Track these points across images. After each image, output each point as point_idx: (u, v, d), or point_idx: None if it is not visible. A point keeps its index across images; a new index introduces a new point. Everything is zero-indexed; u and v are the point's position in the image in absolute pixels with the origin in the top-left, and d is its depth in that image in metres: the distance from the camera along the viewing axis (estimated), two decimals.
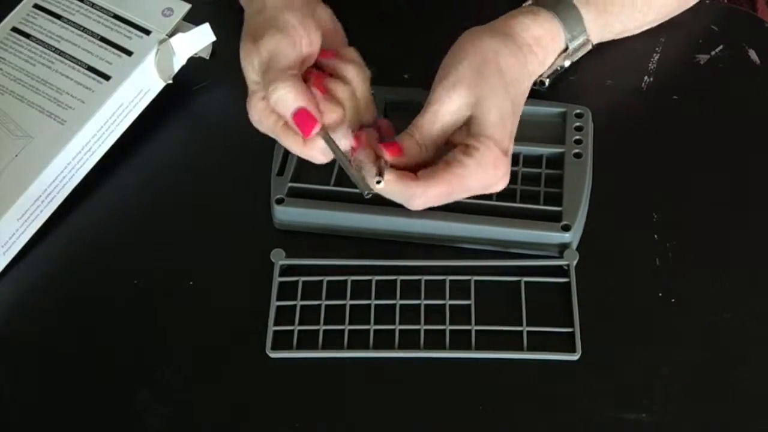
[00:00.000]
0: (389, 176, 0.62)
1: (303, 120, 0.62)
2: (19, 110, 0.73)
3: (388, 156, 0.63)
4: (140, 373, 0.66)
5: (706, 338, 0.65)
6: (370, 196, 0.63)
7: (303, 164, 0.73)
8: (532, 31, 0.69)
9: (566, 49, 0.71)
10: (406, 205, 0.64)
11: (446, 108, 0.63)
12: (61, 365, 0.68)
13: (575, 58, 0.73)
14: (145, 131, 0.77)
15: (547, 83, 0.74)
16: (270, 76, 0.62)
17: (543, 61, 0.70)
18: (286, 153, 0.73)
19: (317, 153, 0.64)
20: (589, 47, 0.73)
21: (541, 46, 0.69)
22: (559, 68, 0.73)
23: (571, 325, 0.65)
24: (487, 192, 0.64)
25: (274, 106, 0.63)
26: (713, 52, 0.78)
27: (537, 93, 0.72)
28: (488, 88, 0.63)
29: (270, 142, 0.73)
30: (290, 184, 0.71)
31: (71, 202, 0.74)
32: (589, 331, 0.65)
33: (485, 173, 0.62)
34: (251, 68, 0.64)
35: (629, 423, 0.62)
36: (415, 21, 0.82)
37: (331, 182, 0.71)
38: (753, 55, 0.78)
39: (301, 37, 0.64)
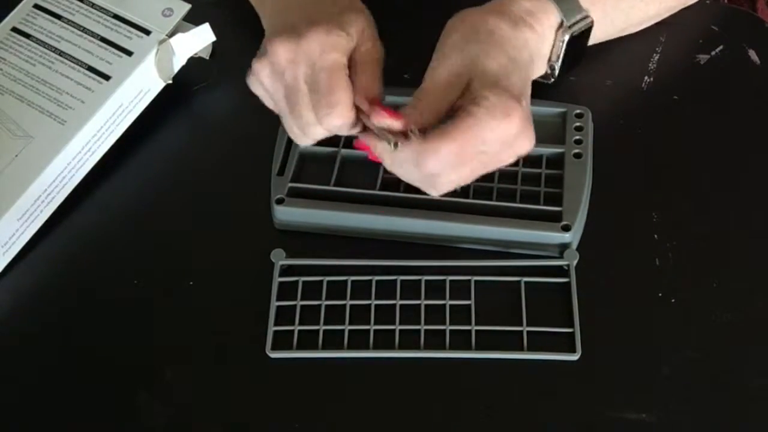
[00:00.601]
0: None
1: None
2: (19, 110, 0.73)
3: (384, 114, 0.62)
4: (140, 373, 0.66)
5: (706, 338, 0.65)
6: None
7: (303, 164, 0.73)
8: (522, 4, 0.68)
9: (562, 23, 0.70)
10: (418, 172, 0.62)
11: (442, 71, 0.62)
12: (61, 365, 0.67)
13: (575, 31, 0.70)
14: (145, 131, 0.77)
15: (557, 68, 0.71)
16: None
17: (542, 36, 0.69)
18: (286, 153, 0.73)
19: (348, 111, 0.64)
20: (589, 22, 0.70)
21: (535, 18, 0.68)
22: (561, 42, 0.70)
23: (571, 325, 0.65)
24: (511, 152, 0.62)
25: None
26: (713, 52, 0.78)
27: (545, 87, 0.71)
28: (481, 45, 0.63)
29: (270, 142, 0.73)
30: (290, 184, 0.71)
31: (71, 202, 0.74)
32: (589, 331, 0.65)
33: (498, 122, 0.60)
34: (355, 21, 0.65)
35: (629, 423, 0.62)
36: (415, 21, 0.82)
37: (331, 182, 0.71)
38: (753, 55, 0.78)
39: None
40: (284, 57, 0.63)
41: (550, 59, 0.71)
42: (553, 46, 0.70)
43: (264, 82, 0.65)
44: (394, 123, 0.61)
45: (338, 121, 0.63)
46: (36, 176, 0.70)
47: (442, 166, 0.60)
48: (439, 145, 0.60)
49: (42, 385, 0.67)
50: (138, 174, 0.76)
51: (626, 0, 0.73)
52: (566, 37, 0.70)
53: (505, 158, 0.62)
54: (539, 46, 0.69)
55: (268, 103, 0.67)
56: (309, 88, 0.63)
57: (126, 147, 0.76)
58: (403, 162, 0.62)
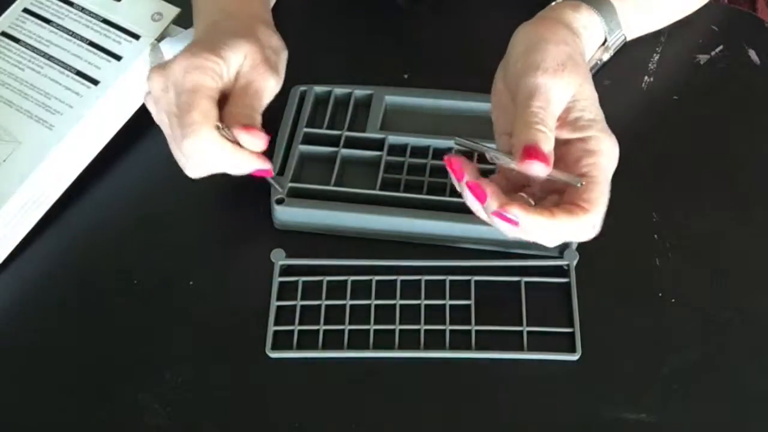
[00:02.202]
0: (559, 213, 0.55)
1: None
2: (7, 115, 0.72)
3: (533, 166, 0.55)
4: (140, 373, 0.66)
5: (706, 338, 0.65)
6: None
7: (303, 164, 0.73)
8: (580, 21, 0.67)
9: (605, 42, 0.70)
10: (577, 239, 0.59)
11: (558, 91, 0.58)
12: (60, 366, 0.67)
13: (612, 53, 0.71)
14: (145, 131, 0.77)
15: None
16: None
17: (588, 52, 0.68)
18: (286, 153, 0.73)
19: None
20: (623, 40, 0.71)
21: (589, 35, 0.67)
22: (598, 62, 0.71)
23: (571, 325, 0.65)
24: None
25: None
26: (713, 52, 0.78)
27: None
28: (584, 71, 0.60)
29: (270, 141, 0.73)
30: (290, 184, 0.71)
31: (71, 203, 0.73)
32: (589, 331, 0.65)
33: (614, 160, 0.58)
34: (236, 46, 0.64)
35: (629, 423, 0.62)
36: (415, 21, 0.82)
37: (331, 182, 0.71)
38: (753, 55, 0.78)
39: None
40: (157, 87, 0.65)
41: None
42: (589, 61, 0.70)
43: (152, 111, 0.67)
44: (540, 170, 0.56)
45: (193, 142, 0.62)
46: (23, 181, 0.70)
47: (599, 225, 0.58)
48: (597, 212, 0.56)
49: (42, 385, 0.67)
50: (138, 174, 0.76)
51: (654, 11, 0.74)
52: (605, 57, 0.70)
53: None
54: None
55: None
56: (175, 113, 0.64)
57: (126, 147, 0.76)
58: (564, 234, 0.57)
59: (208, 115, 0.63)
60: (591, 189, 0.56)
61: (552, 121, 0.57)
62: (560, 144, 0.58)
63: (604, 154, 0.57)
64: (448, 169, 0.57)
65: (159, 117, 0.66)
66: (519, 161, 0.55)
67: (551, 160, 0.56)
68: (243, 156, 0.64)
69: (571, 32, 0.64)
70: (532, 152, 0.55)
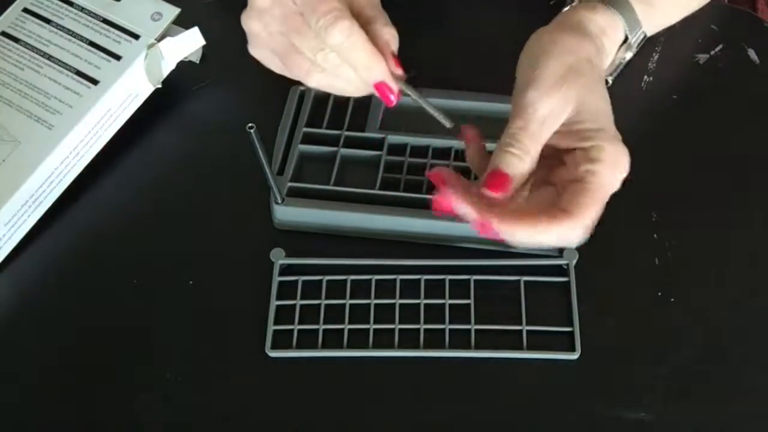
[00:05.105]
0: (543, 221, 0.55)
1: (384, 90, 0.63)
2: (6, 115, 0.72)
3: (492, 194, 0.56)
4: (140, 373, 0.66)
5: (706, 338, 0.65)
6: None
7: (303, 164, 0.73)
8: (598, 22, 0.65)
9: (626, 40, 0.69)
10: (561, 244, 0.57)
11: (548, 109, 0.57)
12: (60, 366, 0.68)
13: (635, 50, 0.70)
14: (145, 133, 0.77)
15: (610, 81, 0.71)
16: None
17: (609, 52, 0.67)
18: (286, 153, 0.73)
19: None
20: (643, 37, 0.70)
21: (607, 36, 0.66)
22: (620, 62, 0.70)
23: (571, 325, 0.65)
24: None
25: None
26: (713, 52, 0.78)
27: None
28: (588, 81, 0.59)
29: (270, 141, 0.73)
30: (290, 184, 0.71)
31: (70, 204, 0.73)
32: (588, 331, 0.65)
33: (618, 170, 0.58)
34: None
35: (629, 423, 0.62)
36: (415, 21, 0.82)
37: (331, 182, 0.71)
38: (753, 54, 0.78)
39: None
40: (254, 20, 0.62)
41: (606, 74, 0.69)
42: (611, 64, 0.69)
43: (259, 34, 0.62)
44: (505, 196, 0.57)
45: (338, 24, 0.59)
46: (23, 181, 0.70)
47: (588, 232, 0.57)
48: (583, 219, 0.56)
49: (42, 385, 0.67)
50: (137, 175, 0.76)
51: (666, 6, 0.73)
52: (628, 56, 0.69)
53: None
54: (606, 62, 0.67)
55: (272, 65, 0.64)
56: (301, 9, 0.60)
57: (126, 147, 0.76)
58: (547, 241, 0.56)
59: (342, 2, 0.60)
60: (581, 194, 0.56)
61: (531, 140, 0.57)
62: (564, 152, 0.58)
63: (605, 163, 0.57)
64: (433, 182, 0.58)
65: (267, 31, 0.62)
66: (482, 185, 0.56)
67: (512, 183, 0.56)
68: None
69: (582, 37, 0.62)
70: (492, 181, 0.56)
